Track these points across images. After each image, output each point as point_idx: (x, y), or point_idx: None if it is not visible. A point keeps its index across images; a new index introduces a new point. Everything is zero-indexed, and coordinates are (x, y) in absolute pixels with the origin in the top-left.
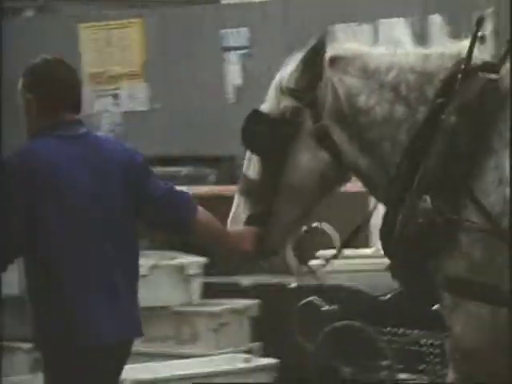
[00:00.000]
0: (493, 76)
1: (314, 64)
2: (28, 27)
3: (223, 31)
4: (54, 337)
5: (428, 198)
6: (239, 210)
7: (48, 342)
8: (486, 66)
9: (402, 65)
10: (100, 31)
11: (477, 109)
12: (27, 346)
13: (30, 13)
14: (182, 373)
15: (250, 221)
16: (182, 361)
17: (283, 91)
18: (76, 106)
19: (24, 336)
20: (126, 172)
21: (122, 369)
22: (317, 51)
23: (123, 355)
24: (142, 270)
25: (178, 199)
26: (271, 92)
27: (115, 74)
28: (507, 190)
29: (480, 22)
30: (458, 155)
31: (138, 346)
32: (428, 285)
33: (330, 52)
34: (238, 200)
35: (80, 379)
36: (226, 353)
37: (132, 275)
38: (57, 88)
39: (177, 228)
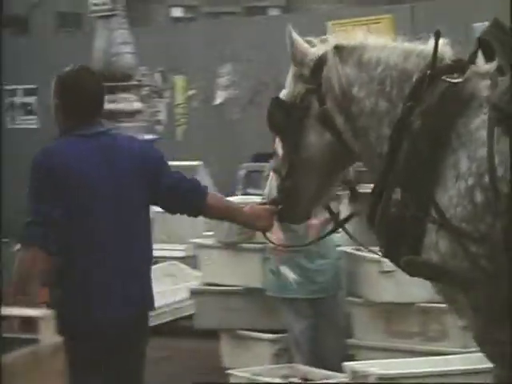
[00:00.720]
0: (454, 80)
1: (302, 49)
2: (273, 25)
3: (476, 25)
4: (73, 309)
5: (399, 191)
6: (271, 185)
7: (67, 315)
8: (453, 68)
9: (388, 60)
10: (349, 28)
11: (437, 113)
12: (270, 336)
13: (274, 12)
14: (429, 369)
15: (278, 195)
16: (430, 358)
17: (295, 78)
18: (96, 110)
19: (267, 327)
20: (140, 164)
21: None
22: (293, 38)
23: (138, 328)
24: (390, 266)
25: (190, 186)
26: (288, 79)
27: None
28: (463, 184)
29: (438, 35)
30: (421, 155)
31: (383, 341)
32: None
33: (334, 41)
34: (270, 176)
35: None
36: (474, 352)
37: (144, 254)
38: (79, 95)
39: (191, 210)
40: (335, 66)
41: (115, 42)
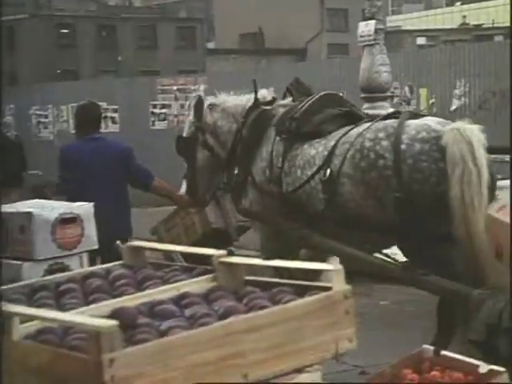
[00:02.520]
0: (266, 107)
1: (200, 108)
2: (497, 49)
3: None
4: None
5: (236, 169)
6: (183, 187)
7: None
8: (267, 103)
9: (237, 104)
10: None
11: (254, 125)
12: None
13: (499, 38)
14: None
15: (186, 191)
16: None
17: (190, 123)
18: (94, 126)
19: None
20: (120, 156)
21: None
22: (199, 102)
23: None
24: None
25: (143, 172)
26: (186, 124)
27: None
28: (263, 164)
29: (254, 84)
30: (246, 149)
31: None
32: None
33: (210, 101)
34: (183, 182)
35: None
36: None
37: (121, 203)
38: (83, 118)
39: (142, 187)
40: (207, 113)
41: (376, 64)
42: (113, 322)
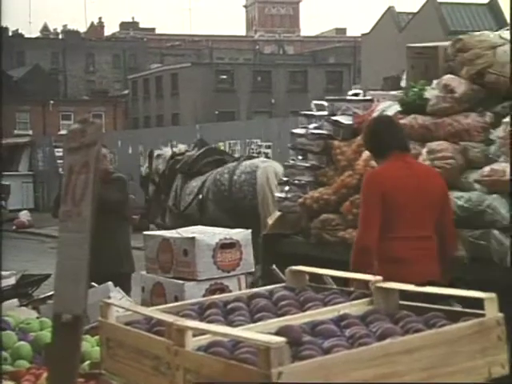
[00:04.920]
0: (178, 157)
1: (151, 157)
2: None
3: None
4: None
5: (162, 197)
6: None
7: None
8: (180, 154)
9: (168, 156)
10: None
11: (170, 170)
12: None
13: None
14: None
15: (146, 212)
16: None
17: (145, 167)
18: None
19: None
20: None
21: None
22: (151, 152)
23: None
24: None
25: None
26: (144, 167)
27: None
28: (173, 194)
29: (173, 157)
30: (166, 186)
31: None
32: None
33: (157, 152)
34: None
35: None
36: None
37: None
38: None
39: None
40: (155, 160)
41: None
42: (281, 339)
